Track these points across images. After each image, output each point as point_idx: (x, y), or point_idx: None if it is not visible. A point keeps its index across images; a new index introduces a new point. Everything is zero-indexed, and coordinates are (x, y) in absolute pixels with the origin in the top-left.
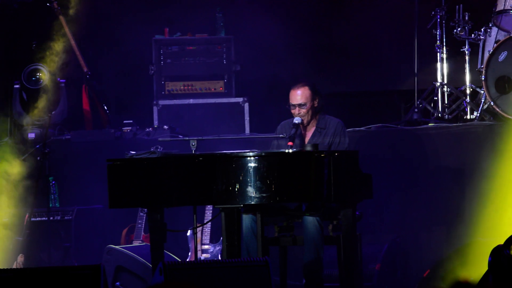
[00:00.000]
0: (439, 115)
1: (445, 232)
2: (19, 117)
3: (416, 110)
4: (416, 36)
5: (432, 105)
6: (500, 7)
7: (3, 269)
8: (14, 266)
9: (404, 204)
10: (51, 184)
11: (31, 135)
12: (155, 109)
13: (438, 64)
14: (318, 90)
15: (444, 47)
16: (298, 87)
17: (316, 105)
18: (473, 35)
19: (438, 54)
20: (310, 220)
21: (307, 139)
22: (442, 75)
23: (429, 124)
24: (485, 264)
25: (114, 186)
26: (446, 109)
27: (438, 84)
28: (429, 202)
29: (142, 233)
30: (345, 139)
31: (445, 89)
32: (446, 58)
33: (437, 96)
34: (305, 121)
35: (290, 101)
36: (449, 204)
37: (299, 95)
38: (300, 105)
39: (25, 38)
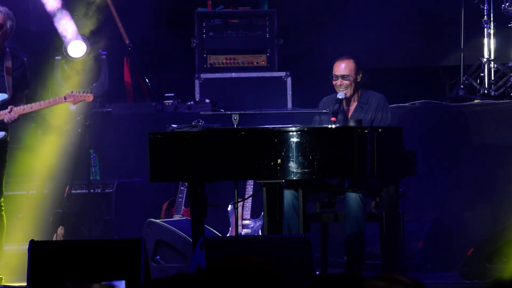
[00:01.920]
0: (486, 91)
1: (489, 210)
2: (61, 89)
3: (462, 86)
4: (463, 11)
5: (478, 81)
6: None
7: (44, 241)
8: (54, 238)
9: (448, 181)
10: (92, 156)
11: (72, 107)
12: (196, 82)
13: (485, 40)
14: (362, 64)
15: (492, 22)
16: (343, 59)
17: (359, 79)
18: None
19: (485, 29)
20: (353, 197)
21: (349, 114)
22: (489, 51)
23: (475, 101)
24: None
25: (155, 159)
26: (493, 86)
27: (485, 60)
28: (474, 180)
29: (183, 207)
30: (388, 115)
31: (491, 65)
32: (493, 34)
33: (483, 72)
34: (347, 94)
35: (334, 72)
36: (494, 182)
37: (343, 67)
38: (343, 76)
39: (68, 10)
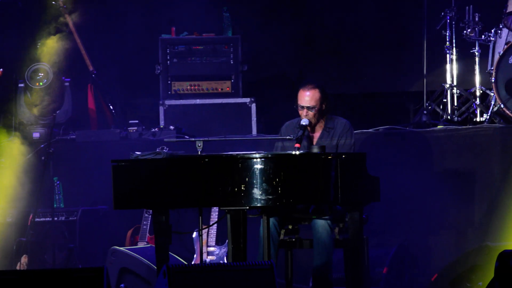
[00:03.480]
0: (449, 117)
1: (454, 236)
2: (24, 116)
3: (425, 112)
4: (425, 37)
5: (441, 107)
6: (510, 8)
7: (7, 270)
8: (18, 267)
9: (412, 207)
10: (55, 184)
11: (36, 135)
12: (161, 109)
13: (448, 66)
14: (326, 92)
15: (454, 49)
16: (308, 88)
17: (324, 108)
18: (483, 36)
19: (448, 55)
20: (321, 223)
21: (315, 140)
22: (452, 76)
23: (438, 127)
24: (493, 268)
25: (118, 187)
26: (456, 111)
27: (448, 86)
28: (438, 205)
29: (147, 234)
30: (351, 140)
31: (454, 91)
32: (456, 60)
33: (446, 98)
34: (312, 122)
35: (299, 102)
36: (458, 208)
37: (308, 97)
38: (308, 108)
39: (30, 37)
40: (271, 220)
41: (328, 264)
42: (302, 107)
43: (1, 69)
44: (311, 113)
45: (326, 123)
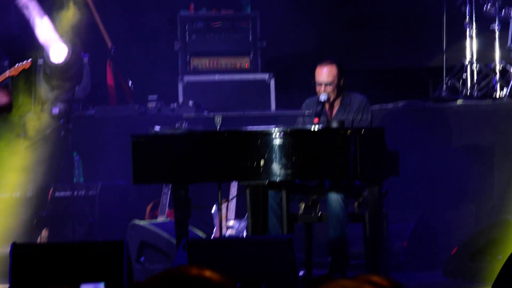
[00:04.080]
0: (468, 92)
1: (472, 210)
2: (43, 93)
3: (444, 87)
4: (445, 13)
5: (461, 82)
6: None
7: (25, 243)
8: (38, 241)
9: (432, 181)
10: (75, 159)
11: (55, 110)
12: (180, 85)
13: (467, 41)
14: (344, 68)
15: (474, 24)
16: (325, 64)
17: (342, 83)
18: (503, 11)
19: (468, 31)
20: (334, 198)
21: (332, 116)
22: (472, 52)
23: (458, 102)
24: None
25: (138, 162)
26: (475, 87)
27: (467, 61)
28: (457, 180)
29: (167, 209)
30: (368, 116)
31: (474, 66)
32: (476, 35)
33: (466, 73)
34: (331, 98)
35: (316, 79)
36: (478, 183)
37: (325, 74)
38: (326, 84)
39: (49, 14)
40: (271, 193)
41: (344, 238)
42: (320, 84)
43: (30, 60)
44: (329, 89)
45: (343, 99)
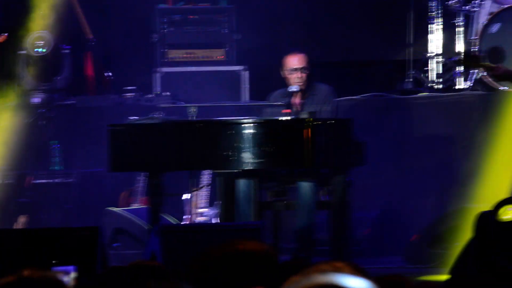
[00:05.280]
0: (432, 84)
1: (433, 198)
2: (25, 82)
3: (409, 79)
4: (412, 7)
5: (425, 74)
6: None
7: (6, 229)
8: (14, 227)
9: (395, 171)
10: (54, 147)
11: (36, 100)
12: (157, 76)
13: (432, 35)
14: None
15: (438, 18)
16: (296, 53)
17: (310, 73)
18: (467, 6)
19: (432, 25)
20: (305, 186)
21: (300, 107)
22: (436, 45)
23: (422, 94)
24: (470, 229)
25: (114, 150)
26: (439, 79)
27: (432, 54)
28: (420, 169)
29: (140, 196)
30: (333, 106)
31: (438, 59)
32: (440, 29)
33: (430, 66)
34: (303, 87)
35: (291, 66)
36: (439, 172)
37: (300, 59)
38: (302, 69)
39: (31, 6)
40: (246, 181)
41: (311, 225)
42: (295, 70)
43: (6, 34)
44: (304, 75)
45: (310, 90)
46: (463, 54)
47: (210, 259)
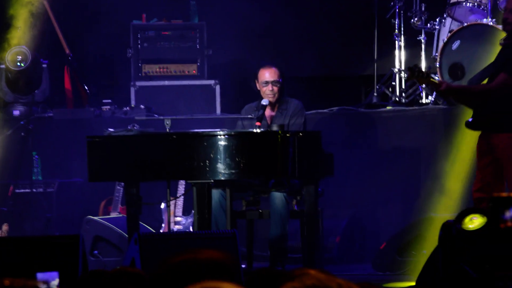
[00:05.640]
0: (397, 99)
1: (400, 208)
2: (5, 95)
3: (375, 94)
4: (376, 25)
5: (390, 89)
6: None
7: None
8: None
9: (363, 181)
10: (34, 158)
11: (16, 112)
12: (132, 89)
13: (396, 52)
14: (283, 74)
15: (402, 36)
16: (269, 66)
17: (283, 86)
18: (429, 24)
19: (397, 42)
20: (278, 196)
21: (271, 120)
22: (400, 61)
23: (387, 108)
24: (436, 238)
25: (93, 161)
26: (403, 94)
27: (396, 70)
28: (387, 180)
29: (119, 205)
30: (301, 119)
31: (402, 74)
32: (404, 46)
33: (395, 81)
34: (274, 99)
35: (263, 79)
36: (405, 182)
37: (273, 73)
38: (274, 82)
39: (8, 21)
40: (219, 191)
41: (284, 234)
42: (267, 83)
43: None
44: (276, 88)
45: (281, 104)
46: (408, 69)
47: (169, 267)
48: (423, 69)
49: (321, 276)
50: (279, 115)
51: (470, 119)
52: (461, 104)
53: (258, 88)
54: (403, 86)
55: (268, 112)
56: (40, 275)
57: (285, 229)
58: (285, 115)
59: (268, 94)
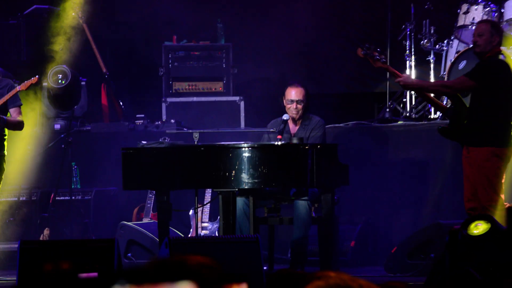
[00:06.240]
0: (407, 114)
1: (411, 214)
2: (47, 111)
3: (387, 109)
4: (389, 46)
5: (401, 105)
6: (460, 22)
7: (31, 240)
8: (41, 238)
9: (376, 190)
10: (73, 168)
11: (57, 126)
12: (163, 105)
13: (407, 71)
14: (309, 93)
15: (413, 56)
16: (296, 85)
17: (307, 104)
18: (437, 46)
19: (407, 62)
20: (301, 203)
21: (293, 134)
22: None
23: (399, 122)
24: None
25: (127, 171)
26: (414, 109)
27: None
28: (398, 189)
29: (151, 211)
30: (320, 132)
31: (412, 92)
32: (414, 66)
33: (406, 98)
34: (297, 116)
35: (289, 97)
36: (415, 191)
37: (298, 92)
38: (298, 101)
39: (53, 42)
40: (243, 199)
41: (305, 238)
42: (292, 101)
43: (37, 76)
44: (299, 106)
45: (304, 120)
46: (359, 47)
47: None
48: (377, 51)
49: (344, 276)
50: (301, 130)
51: (442, 127)
52: (424, 99)
53: (284, 104)
54: (414, 103)
55: (291, 126)
56: (82, 276)
57: (307, 234)
58: (306, 129)
59: (292, 111)
